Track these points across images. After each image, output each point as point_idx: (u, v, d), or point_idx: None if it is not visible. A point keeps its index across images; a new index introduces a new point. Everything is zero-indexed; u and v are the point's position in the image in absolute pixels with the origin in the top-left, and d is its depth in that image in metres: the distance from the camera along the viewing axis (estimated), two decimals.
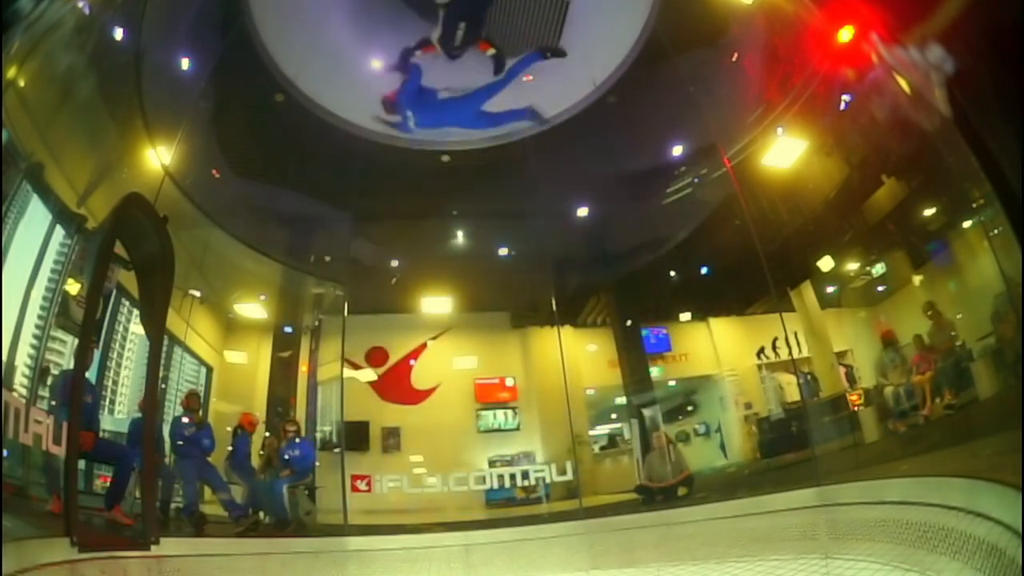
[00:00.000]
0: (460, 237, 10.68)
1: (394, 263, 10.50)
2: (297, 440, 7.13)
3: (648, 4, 7.61)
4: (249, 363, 9.49)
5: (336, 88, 8.26)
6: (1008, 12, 3.17)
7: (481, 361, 10.71)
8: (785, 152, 8.04)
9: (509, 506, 8.64)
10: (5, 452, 3.80)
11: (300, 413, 9.01)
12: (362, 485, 9.04)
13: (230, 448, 6.91)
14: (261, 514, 6.46)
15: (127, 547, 4.28)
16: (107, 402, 7.01)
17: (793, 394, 9.64)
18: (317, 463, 7.61)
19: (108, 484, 5.05)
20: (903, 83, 4.79)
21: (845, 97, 6.73)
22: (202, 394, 8.20)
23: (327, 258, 9.86)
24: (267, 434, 8.26)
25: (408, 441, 9.90)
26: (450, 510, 7.75)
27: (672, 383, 11.47)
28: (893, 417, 6.80)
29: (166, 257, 5.26)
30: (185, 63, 7.27)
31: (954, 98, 3.75)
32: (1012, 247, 4.17)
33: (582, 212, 10.07)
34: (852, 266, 9.10)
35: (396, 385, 10.33)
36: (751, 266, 7.44)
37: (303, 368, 9.60)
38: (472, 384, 10.42)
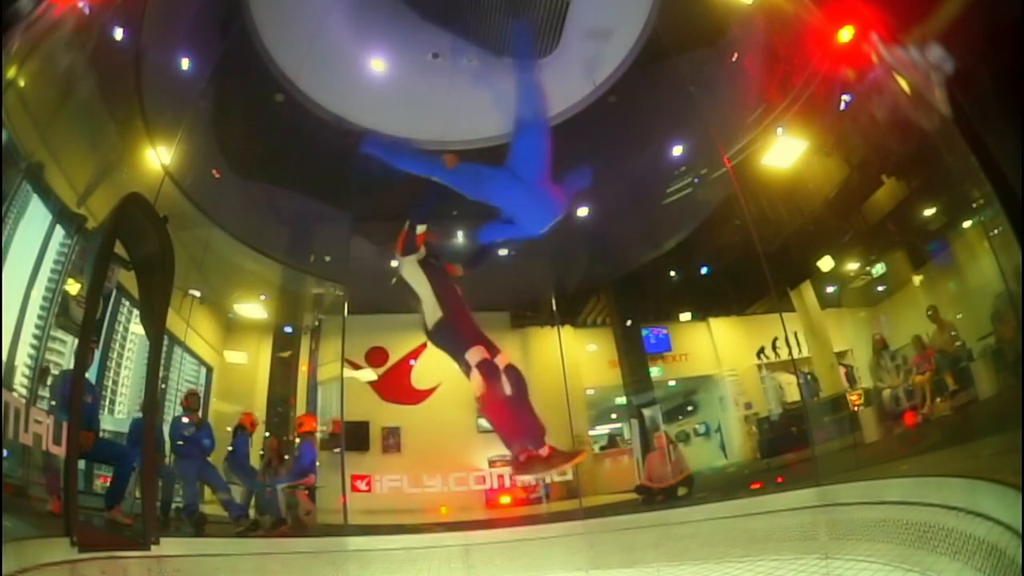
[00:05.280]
0: (460, 237, 10.68)
1: (394, 263, 10.48)
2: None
3: (648, 4, 7.61)
4: (249, 363, 9.50)
5: (336, 88, 8.25)
6: (1008, 12, 3.18)
7: None
8: (785, 152, 8.04)
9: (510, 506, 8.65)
10: (5, 452, 3.80)
11: (300, 413, 9.01)
12: (362, 485, 9.05)
13: (230, 448, 6.91)
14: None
15: (127, 547, 4.28)
16: (107, 402, 7.01)
17: (793, 394, 9.65)
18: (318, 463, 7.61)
19: (108, 484, 5.05)
20: (903, 83, 4.78)
21: (845, 97, 6.72)
22: (202, 394, 8.20)
23: (327, 258, 9.86)
24: (267, 434, 8.28)
25: (408, 441, 9.90)
26: (450, 510, 7.76)
27: (672, 383, 11.48)
28: (891, 419, 6.81)
29: (166, 257, 5.25)
30: (185, 63, 7.26)
31: (954, 98, 3.75)
32: (1012, 247, 4.17)
33: (582, 212, 10.07)
34: (852, 266, 9.11)
35: (396, 385, 10.33)
36: (751, 266, 7.44)
37: (303, 368, 9.60)
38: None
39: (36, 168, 4.90)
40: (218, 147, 8.14)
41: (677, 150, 9.28)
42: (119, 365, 7.35)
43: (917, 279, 7.95)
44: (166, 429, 6.26)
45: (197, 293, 8.41)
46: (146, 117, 6.65)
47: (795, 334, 9.06)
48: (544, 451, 2.87)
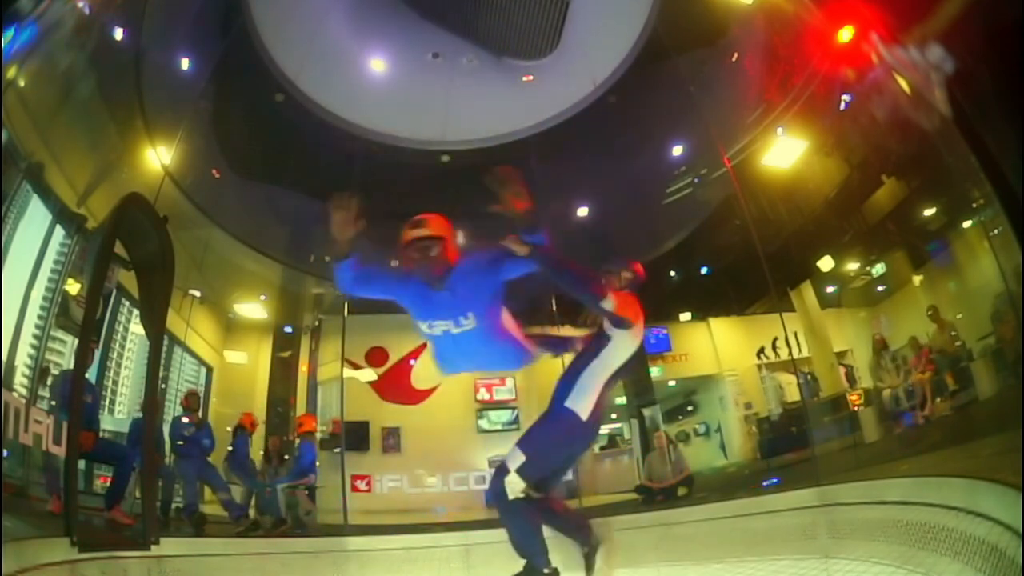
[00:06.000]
0: (460, 237, 10.65)
1: (394, 263, 10.48)
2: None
3: (648, 4, 7.61)
4: (249, 363, 9.49)
5: (336, 88, 8.26)
6: (1008, 12, 3.17)
7: None
8: (785, 152, 8.04)
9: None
10: (5, 452, 3.80)
11: (300, 413, 9.01)
12: (362, 485, 9.04)
13: (230, 448, 6.92)
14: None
15: (127, 547, 4.27)
16: (107, 402, 7.01)
17: (793, 394, 9.64)
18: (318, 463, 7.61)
19: (108, 484, 5.05)
20: (903, 83, 4.78)
21: (845, 97, 6.73)
22: (202, 394, 8.20)
23: (327, 258, 9.86)
24: (267, 434, 8.27)
25: (408, 441, 9.89)
26: (450, 510, 7.75)
27: (672, 383, 11.47)
28: (891, 419, 6.81)
29: (166, 257, 5.24)
30: (185, 63, 7.27)
31: (954, 98, 3.75)
32: (1012, 247, 4.17)
33: (582, 212, 10.07)
34: (852, 266, 9.11)
35: (396, 385, 10.31)
36: (751, 266, 7.44)
37: (303, 368, 9.60)
38: (472, 384, 10.41)
39: (36, 168, 4.89)
40: (218, 147, 8.14)
41: (677, 150, 9.29)
42: (119, 365, 7.35)
43: (917, 279, 7.95)
44: (166, 429, 6.26)
45: (197, 293, 8.41)
46: (146, 117, 6.64)
47: (795, 334, 9.06)
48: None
